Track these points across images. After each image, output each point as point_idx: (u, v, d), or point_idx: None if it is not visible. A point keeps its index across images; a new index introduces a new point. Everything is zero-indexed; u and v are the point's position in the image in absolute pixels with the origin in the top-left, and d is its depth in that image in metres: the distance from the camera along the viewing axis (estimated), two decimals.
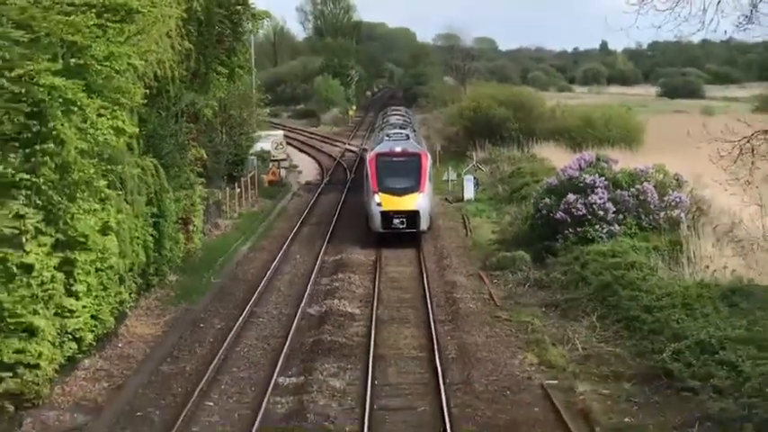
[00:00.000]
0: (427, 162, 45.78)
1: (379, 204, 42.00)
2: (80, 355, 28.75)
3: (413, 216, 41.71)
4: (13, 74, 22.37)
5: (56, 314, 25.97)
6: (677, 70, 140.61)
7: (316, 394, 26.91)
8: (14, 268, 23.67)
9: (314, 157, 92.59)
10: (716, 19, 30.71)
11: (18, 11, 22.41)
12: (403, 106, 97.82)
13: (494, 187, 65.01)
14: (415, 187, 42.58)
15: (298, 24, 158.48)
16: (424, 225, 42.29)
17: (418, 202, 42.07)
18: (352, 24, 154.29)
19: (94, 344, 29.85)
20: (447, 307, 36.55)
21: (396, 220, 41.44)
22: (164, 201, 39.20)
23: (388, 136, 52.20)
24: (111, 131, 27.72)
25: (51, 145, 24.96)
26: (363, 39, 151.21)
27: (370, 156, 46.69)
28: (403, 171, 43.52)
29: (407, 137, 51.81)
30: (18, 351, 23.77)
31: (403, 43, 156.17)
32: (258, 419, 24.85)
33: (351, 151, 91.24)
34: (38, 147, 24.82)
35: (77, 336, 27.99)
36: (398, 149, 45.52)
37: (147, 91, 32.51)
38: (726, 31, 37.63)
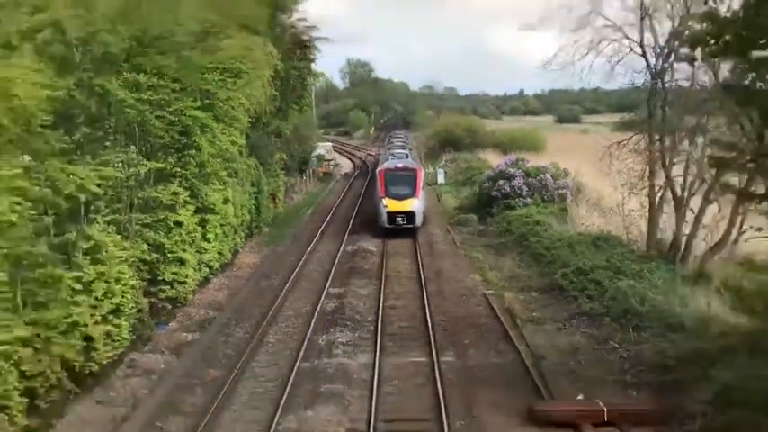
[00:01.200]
0: (421, 174, 39.96)
1: (385, 206, 37.05)
2: (211, 276, 29.18)
3: (410, 215, 36.76)
4: (170, 109, 22.45)
5: (196, 251, 26.40)
6: (566, 106, 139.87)
7: (350, 298, 27.16)
8: (172, 224, 24.00)
9: (349, 158, 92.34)
10: (590, 75, 30.95)
11: (174, 70, 22.47)
12: (404, 130, 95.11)
13: (456, 176, 64.75)
14: (413, 194, 37.39)
15: (339, 79, 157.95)
16: (418, 222, 37.58)
17: (414, 205, 37.15)
18: (372, 80, 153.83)
19: (219, 269, 30.21)
20: (427, 247, 36.43)
21: (398, 219, 36.62)
22: (261, 184, 39.56)
23: (392, 155, 45.71)
24: (229, 143, 27.96)
25: (193, 151, 25.36)
26: (378, 89, 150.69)
27: (379, 170, 40.77)
28: (403, 181, 37.94)
29: (407, 155, 45.39)
30: (174, 273, 24.24)
31: (402, 91, 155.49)
32: (316, 313, 25.08)
33: (370, 155, 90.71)
34: (185, 152, 25.10)
35: (209, 264, 28.45)
36: (400, 165, 39.76)
37: (250, 119, 32.63)
38: (595, 83, 37.58)
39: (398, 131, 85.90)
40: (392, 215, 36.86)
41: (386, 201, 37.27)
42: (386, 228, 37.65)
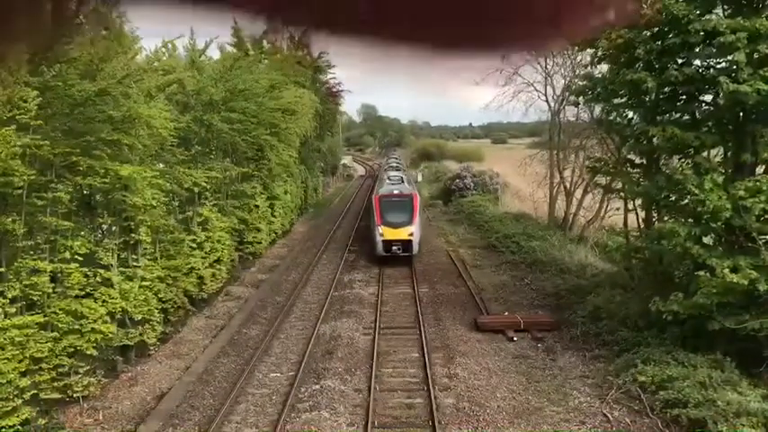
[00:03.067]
0: (417, 200, 26.78)
1: (381, 234, 24.63)
2: (276, 239, 28.90)
3: (407, 243, 24.44)
4: (251, 135, 22.28)
5: (267, 224, 26.19)
6: (498, 132, 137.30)
7: (363, 253, 26.83)
8: (252, 206, 23.87)
9: (362, 165, 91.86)
10: (512, 112, 30.58)
11: (253, 111, 22.27)
12: (398, 150, 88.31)
13: (429, 177, 64.46)
14: (409, 221, 24.97)
15: (357, 116, 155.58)
16: (415, 249, 24.74)
17: (411, 232, 24.73)
18: (377, 116, 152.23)
19: (282, 234, 30.04)
20: None
21: (394, 247, 24.57)
22: (307, 181, 39.37)
23: (389, 178, 31.75)
24: (288, 156, 27.75)
25: (266, 161, 25.07)
26: (381, 122, 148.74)
27: (374, 197, 27.41)
28: (399, 208, 25.47)
29: (402, 180, 31.39)
30: (254, 237, 24.06)
31: (395, 123, 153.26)
32: (342, 262, 24.96)
33: (377, 163, 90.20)
34: (261, 162, 24.91)
35: (275, 231, 28.24)
36: (396, 192, 26.96)
37: (301, 141, 32.43)
38: (516, 118, 37.22)
39: (394, 153, 66.97)
40: (388, 243, 24.75)
41: (381, 229, 24.80)
42: (381, 256, 24.65)
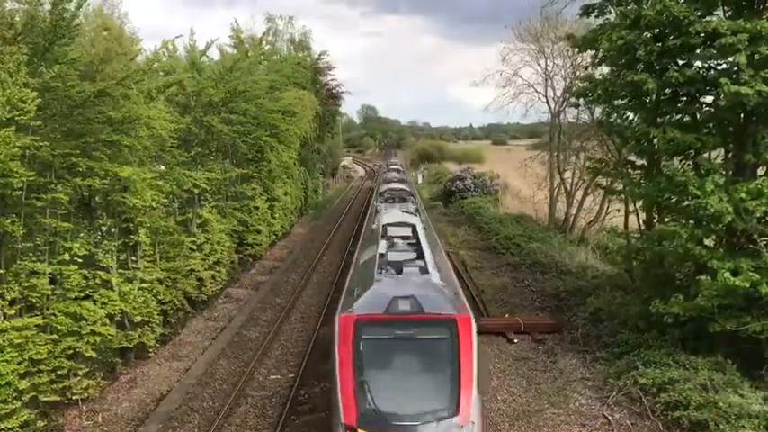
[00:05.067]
0: (472, 334, 6.77)
1: None
2: (276, 240, 28.84)
3: None
4: (251, 136, 22.25)
5: (267, 225, 26.08)
6: (499, 134, 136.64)
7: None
8: (252, 208, 23.82)
9: (362, 166, 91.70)
10: (512, 113, 30.52)
11: (253, 112, 22.23)
12: (399, 155, 73.56)
13: (430, 179, 64.38)
14: (447, 408, 5.26)
15: (357, 117, 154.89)
16: None
17: None
18: (377, 117, 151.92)
19: (281, 236, 29.96)
20: None
21: None
22: (307, 183, 39.26)
23: (386, 236, 12.14)
24: (288, 157, 27.70)
25: (265, 162, 25.03)
26: (381, 123, 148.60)
27: (339, 317, 7.04)
28: (416, 367, 5.53)
29: (417, 243, 11.27)
30: (253, 238, 23.96)
31: (395, 124, 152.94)
32: (342, 262, 24.76)
33: (377, 164, 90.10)
34: (260, 163, 24.88)
35: (275, 233, 28.15)
36: (404, 307, 6.21)
37: (301, 142, 32.33)
38: (516, 119, 37.14)
39: (394, 163, 50.44)
40: None
41: None
42: None
